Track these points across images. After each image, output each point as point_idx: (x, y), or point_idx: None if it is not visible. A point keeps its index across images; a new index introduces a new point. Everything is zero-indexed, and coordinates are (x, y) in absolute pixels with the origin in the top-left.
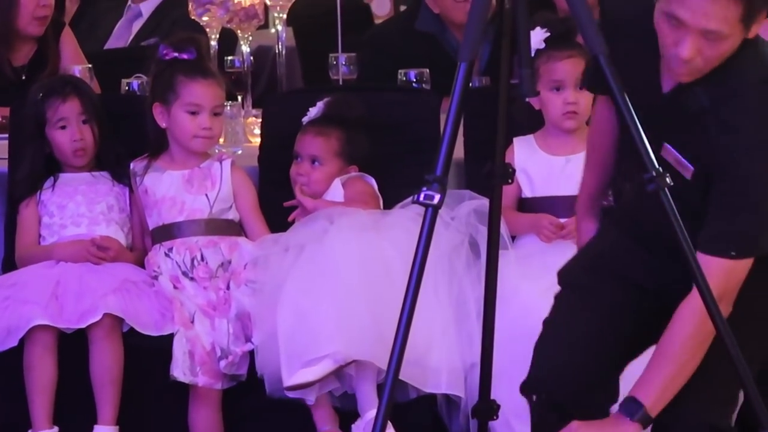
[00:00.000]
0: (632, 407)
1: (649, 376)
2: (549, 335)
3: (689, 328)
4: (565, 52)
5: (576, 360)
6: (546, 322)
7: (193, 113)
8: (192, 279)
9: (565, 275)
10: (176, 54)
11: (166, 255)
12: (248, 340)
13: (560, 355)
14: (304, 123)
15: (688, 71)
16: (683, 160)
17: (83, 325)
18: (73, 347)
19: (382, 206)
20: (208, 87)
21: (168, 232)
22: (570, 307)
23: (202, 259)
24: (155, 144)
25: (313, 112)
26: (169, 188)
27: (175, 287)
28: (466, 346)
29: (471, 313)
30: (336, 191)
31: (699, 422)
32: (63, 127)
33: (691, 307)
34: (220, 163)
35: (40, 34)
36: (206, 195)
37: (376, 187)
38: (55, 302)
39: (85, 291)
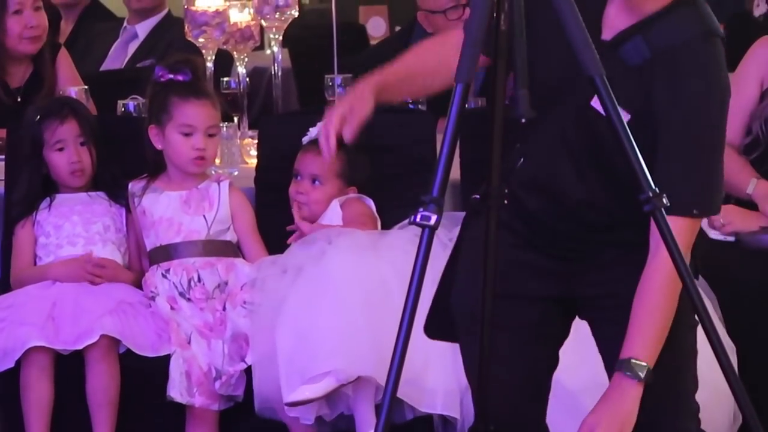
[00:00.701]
0: (635, 368)
1: (638, 333)
2: (481, 376)
3: (663, 277)
4: None
5: (517, 394)
6: (466, 360)
7: (186, 134)
8: (189, 300)
9: (460, 305)
10: (171, 75)
11: (164, 276)
12: (242, 360)
13: (502, 398)
14: (304, 142)
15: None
16: (621, 109)
17: (80, 347)
18: (69, 368)
19: (380, 227)
20: (201, 108)
21: (165, 253)
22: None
23: (199, 280)
24: (153, 165)
25: (314, 132)
26: (167, 209)
27: (171, 308)
28: (462, 367)
29: None
30: (334, 212)
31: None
32: (61, 149)
33: (658, 261)
34: (218, 184)
35: (32, 52)
36: (204, 216)
37: (374, 208)
38: (51, 323)
39: (81, 312)
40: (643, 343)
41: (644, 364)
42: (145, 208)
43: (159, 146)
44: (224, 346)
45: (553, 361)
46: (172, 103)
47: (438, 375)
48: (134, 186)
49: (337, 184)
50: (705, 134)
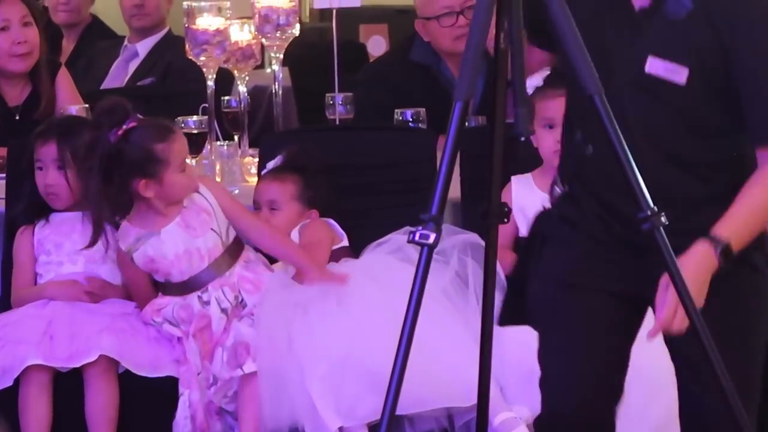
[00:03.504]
0: (715, 240)
1: (730, 217)
2: (552, 368)
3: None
4: (558, 90)
5: (585, 382)
6: (544, 355)
7: (183, 170)
8: (233, 318)
9: (538, 301)
10: (124, 127)
11: (205, 303)
12: (240, 367)
13: (574, 390)
14: (261, 175)
15: None
16: (674, 65)
17: (78, 365)
18: (68, 387)
19: (345, 244)
20: (182, 139)
21: (197, 282)
22: (559, 334)
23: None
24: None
25: (271, 164)
26: (177, 245)
27: (183, 338)
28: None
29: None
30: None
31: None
32: (40, 169)
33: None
34: (200, 192)
35: (23, 70)
36: (212, 229)
37: (336, 228)
38: (48, 341)
39: (78, 329)
40: (732, 227)
41: (725, 241)
42: (152, 256)
43: (151, 195)
44: (224, 353)
45: (626, 358)
46: (161, 151)
47: (441, 368)
48: (125, 242)
49: (295, 207)
50: None
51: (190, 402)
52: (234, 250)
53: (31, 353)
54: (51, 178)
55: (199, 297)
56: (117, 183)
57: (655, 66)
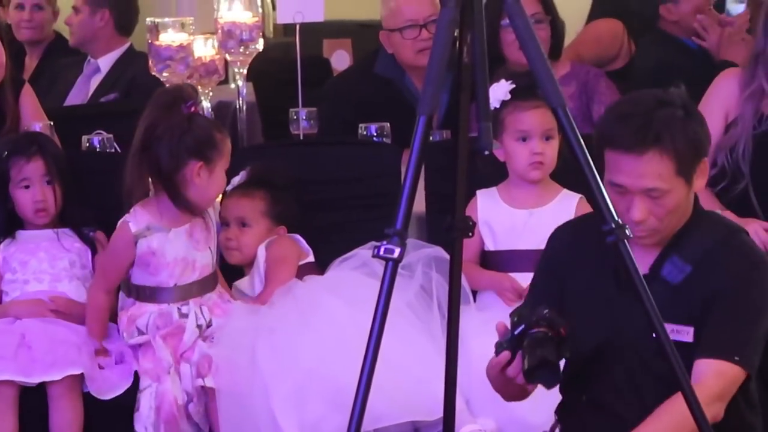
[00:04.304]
0: None
1: None
2: None
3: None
4: (531, 102)
5: None
6: None
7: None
8: (203, 338)
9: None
10: (194, 107)
11: (181, 314)
12: (202, 377)
13: None
14: (227, 190)
15: (647, 232)
16: (679, 326)
17: (47, 379)
18: (32, 403)
19: (311, 260)
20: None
21: (181, 293)
22: None
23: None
24: (138, 195)
25: (237, 180)
26: (179, 249)
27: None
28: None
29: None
30: (261, 257)
31: None
32: (26, 187)
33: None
34: (209, 211)
35: None
36: (209, 248)
37: (302, 244)
38: (17, 357)
39: (49, 346)
40: None
41: None
42: (155, 250)
43: (199, 182)
44: (191, 368)
45: None
46: (220, 141)
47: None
48: (137, 225)
49: (265, 224)
50: (754, 298)
51: (158, 393)
52: (216, 276)
53: (1, 368)
54: (41, 194)
55: (179, 309)
56: (172, 161)
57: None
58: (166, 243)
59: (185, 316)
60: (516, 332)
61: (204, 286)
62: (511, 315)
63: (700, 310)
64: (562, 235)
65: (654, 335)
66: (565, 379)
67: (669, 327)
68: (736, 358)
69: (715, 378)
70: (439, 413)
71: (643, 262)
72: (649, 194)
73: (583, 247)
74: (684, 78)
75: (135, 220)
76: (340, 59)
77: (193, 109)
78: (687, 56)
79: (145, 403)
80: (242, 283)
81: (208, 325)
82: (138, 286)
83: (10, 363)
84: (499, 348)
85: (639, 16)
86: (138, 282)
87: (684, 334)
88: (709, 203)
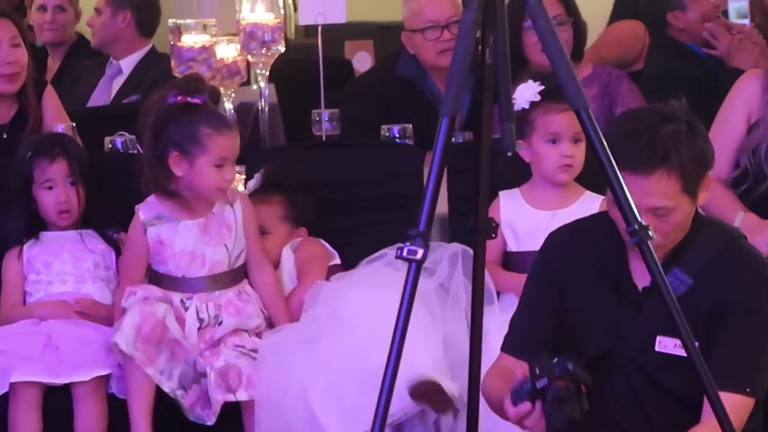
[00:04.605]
0: None
1: None
2: None
3: None
4: (563, 105)
5: None
6: None
7: (219, 165)
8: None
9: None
10: (188, 99)
11: (185, 308)
12: (233, 393)
13: None
14: None
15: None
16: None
17: (74, 379)
18: (57, 404)
19: (337, 261)
20: (233, 139)
21: (188, 285)
22: None
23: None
24: (157, 187)
25: (252, 183)
26: (187, 241)
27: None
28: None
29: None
30: (287, 260)
31: None
32: (50, 188)
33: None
34: (232, 207)
35: (11, 91)
36: (225, 246)
37: (326, 246)
38: (43, 358)
39: (74, 348)
40: None
41: None
42: (163, 239)
43: (180, 173)
44: (211, 373)
45: None
46: (205, 135)
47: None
48: (146, 213)
49: (285, 228)
50: (765, 316)
51: (142, 314)
52: (234, 277)
53: (21, 369)
54: (64, 195)
55: (182, 301)
56: (159, 150)
57: (665, 344)
58: (175, 234)
59: (186, 309)
60: (538, 385)
61: (215, 282)
62: (531, 364)
63: (705, 323)
64: (558, 240)
65: (681, 342)
66: None
67: (672, 341)
68: (748, 390)
69: (729, 413)
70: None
71: (644, 275)
72: (656, 212)
73: (582, 255)
74: (691, 85)
75: (145, 208)
76: (362, 61)
77: (197, 101)
78: (695, 63)
79: (129, 319)
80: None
81: (219, 323)
82: (152, 270)
83: (37, 364)
84: (516, 397)
85: (647, 17)
86: (153, 267)
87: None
88: (732, 205)
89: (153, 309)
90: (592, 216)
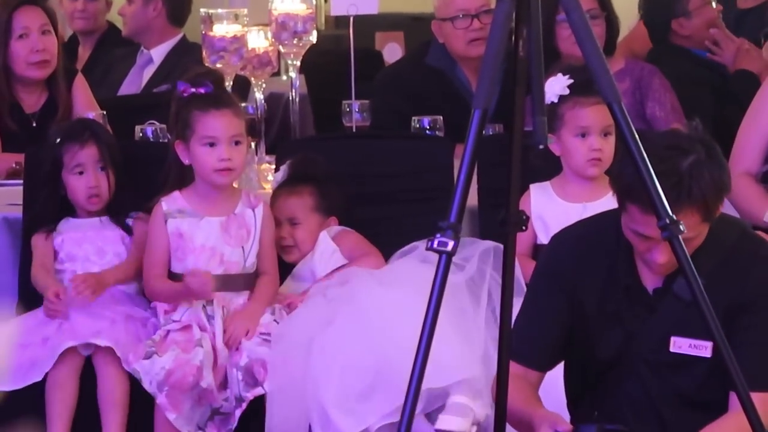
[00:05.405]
0: None
1: None
2: None
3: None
4: (592, 98)
5: None
6: None
7: (210, 145)
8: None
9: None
10: (193, 89)
11: (209, 317)
12: (260, 385)
13: None
14: (274, 191)
15: (667, 269)
16: (698, 341)
17: (97, 342)
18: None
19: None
20: (222, 117)
21: None
22: None
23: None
24: (178, 181)
25: (279, 176)
26: (208, 237)
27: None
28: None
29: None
30: (326, 244)
31: None
32: (80, 173)
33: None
34: (253, 211)
35: (40, 78)
36: (242, 248)
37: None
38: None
39: (94, 313)
40: None
41: None
42: (183, 233)
43: (186, 161)
44: (238, 373)
45: None
46: (193, 117)
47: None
48: (169, 205)
49: (316, 218)
50: None
51: (176, 359)
52: (245, 281)
53: (64, 337)
54: (94, 180)
55: (204, 307)
56: (172, 143)
57: (679, 344)
58: (196, 229)
59: (211, 317)
60: None
61: (228, 282)
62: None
63: (721, 320)
64: (564, 244)
65: (713, 342)
66: (574, 395)
67: (686, 341)
68: None
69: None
70: (445, 381)
71: (653, 278)
72: None
73: (591, 258)
74: (702, 86)
75: (168, 201)
76: (392, 52)
77: (202, 91)
78: (701, 66)
79: (160, 361)
80: (302, 269)
81: None
82: (173, 274)
83: (70, 332)
84: None
85: (650, 24)
86: (172, 269)
87: (702, 349)
88: (762, 199)
89: (190, 356)
90: (595, 220)
